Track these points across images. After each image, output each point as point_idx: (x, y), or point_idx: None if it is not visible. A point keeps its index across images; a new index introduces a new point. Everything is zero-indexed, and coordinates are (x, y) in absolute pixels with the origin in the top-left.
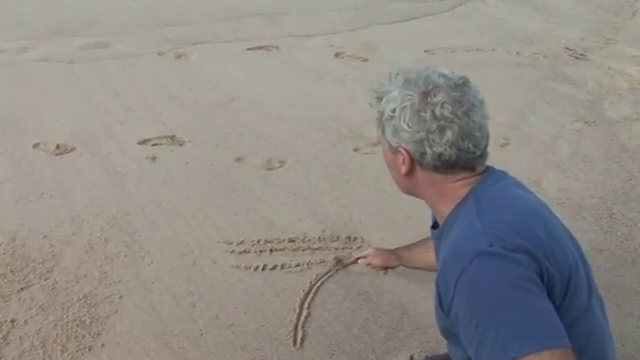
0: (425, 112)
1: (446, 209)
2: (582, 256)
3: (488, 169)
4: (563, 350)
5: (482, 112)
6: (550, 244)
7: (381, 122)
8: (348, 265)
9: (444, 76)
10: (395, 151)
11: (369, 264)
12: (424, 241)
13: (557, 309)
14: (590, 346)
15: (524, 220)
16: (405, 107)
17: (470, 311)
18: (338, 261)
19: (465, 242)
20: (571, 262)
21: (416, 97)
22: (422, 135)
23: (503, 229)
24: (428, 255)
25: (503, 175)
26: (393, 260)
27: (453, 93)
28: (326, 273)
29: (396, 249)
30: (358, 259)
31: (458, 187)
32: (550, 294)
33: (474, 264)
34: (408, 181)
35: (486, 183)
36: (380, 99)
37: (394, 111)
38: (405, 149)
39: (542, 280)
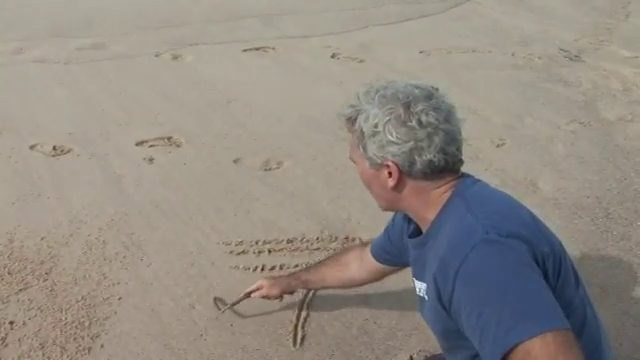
0: (411, 121)
1: (432, 214)
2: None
3: (462, 173)
4: (565, 332)
5: (457, 116)
6: (539, 229)
7: (361, 141)
8: (236, 304)
9: (416, 87)
10: (379, 167)
11: (265, 296)
12: (333, 259)
13: (552, 291)
14: (584, 330)
15: (511, 210)
16: (389, 120)
17: (471, 301)
18: (223, 303)
19: (461, 235)
20: (558, 246)
21: (400, 109)
22: (411, 145)
23: (495, 218)
24: (344, 272)
25: (476, 178)
26: (294, 285)
27: (431, 101)
28: None
29: (296, 273)
30: (250, 294)
31: (442, 191)
32: (545, 276)
33: (473, 253)
34: (393, 195)
35: (465, 184)
36: (353, 119)
37: (376, 126)
38: (393, 162)
39: (537, 264)
